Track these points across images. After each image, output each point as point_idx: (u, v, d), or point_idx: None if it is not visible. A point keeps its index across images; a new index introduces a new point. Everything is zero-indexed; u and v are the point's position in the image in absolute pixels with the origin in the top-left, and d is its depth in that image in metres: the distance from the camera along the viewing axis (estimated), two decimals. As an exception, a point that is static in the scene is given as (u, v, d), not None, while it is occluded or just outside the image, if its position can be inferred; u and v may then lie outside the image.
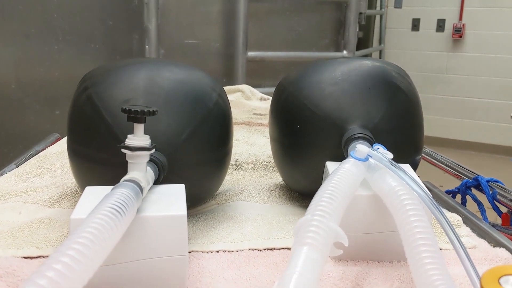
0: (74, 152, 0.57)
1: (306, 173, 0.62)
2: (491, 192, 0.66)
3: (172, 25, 2.11)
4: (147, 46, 2.03)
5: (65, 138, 1.06)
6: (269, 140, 1.05)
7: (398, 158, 0.52)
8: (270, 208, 0.66)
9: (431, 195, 0.46)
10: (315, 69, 0.63)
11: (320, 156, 0.59)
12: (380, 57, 3.86)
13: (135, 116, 0.46)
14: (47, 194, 0.68)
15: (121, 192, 0.41)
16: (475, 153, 3.51)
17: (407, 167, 0.56)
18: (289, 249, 0.54)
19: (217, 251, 0.54)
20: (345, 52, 2.34)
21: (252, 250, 0.54)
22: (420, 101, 0.64)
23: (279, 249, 0.54)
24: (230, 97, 1.54)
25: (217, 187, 0.63)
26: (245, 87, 1.61)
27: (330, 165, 0.57)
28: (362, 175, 0.49)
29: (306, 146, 0.60)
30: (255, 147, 0.95)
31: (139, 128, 0.47)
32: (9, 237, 0.55)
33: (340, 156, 0.57)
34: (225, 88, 1.58)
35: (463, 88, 3.61)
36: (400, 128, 0.60)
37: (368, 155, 0.49)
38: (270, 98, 1.60)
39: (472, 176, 0.71)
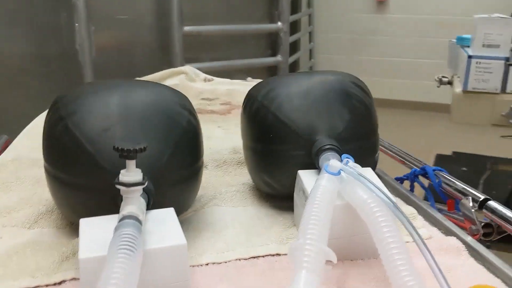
0: (55, 178, 0.59)
1: (278, 179, 0.67)
2: (437, 181, 0.74)
3: (101, 0, 2.05)
4: (76, 24, 1.96)
5: (16, 141, 1.04)
6: (225, 131, 1.10)
7: (361, 161, 0.58)
8: (244, 212, 0.70)
9: (395, 203, 0.52)
10: (283, 82, 0.68)
11: (291, 164, 0.64)
12: (309, 21, 3.94)
13: (128, 154, 0.48)
14: (23, 214, 0.68)
15: (128, 233, 0.44)
16: (404, 111, 3.73)
17: (368, 171, 0.63)
18: (272, 255, 0.59)
19: (206, 264, 0.58)
20: (279, 23, 2.38)
21: (239, 260, 0.59)
22: (374, 105, 0.70)
23: (263, 256, 0.59)
24: (175, 81, 1.55)
25: (195, 197, 0.67)
26: (188, 68, 1.62)
27: (303, 174, 0.62)
28: (336, 188, 0.55)
29: (278, 154, 0.65)
30: (214, 141, 0.99)
31: (132, 164, 0.49)
32: (0, 266, 0.56)
33: (310, 164, 0.63)
34: (168, 71, 1.58)
35: (390, 49, 3.78)
36: (361, 135, 0.66)
37: (341, 169, 0.55)
38: (214, 78, 1.63)
39: (419, 165, 0.80)
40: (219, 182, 0.80)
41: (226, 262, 0.58)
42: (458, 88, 1.94)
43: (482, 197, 0.66)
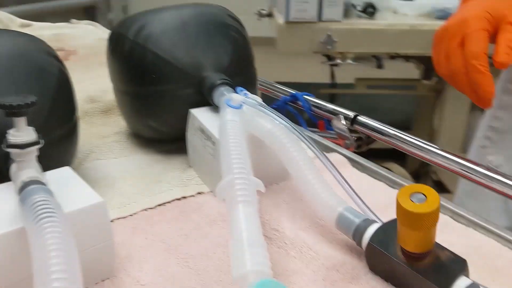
0: None
1: (166, 122, 0.64)
2: (307, 105, 0.79)
3: None
4: None
5: None
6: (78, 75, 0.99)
7: (246, 94, 0.59)
8: (130, 161, 0.66)
9: (301, 129, 0.54)
10: (154, 18, 0.63)
11: (180, 104, 0.62)
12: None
13: (18, 111, 0.41)
14: None
15: (42, 199, 0.38)
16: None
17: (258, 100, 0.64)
18: (179, 199, 0.58)
19: (112, 221, 0.54)
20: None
21: (146, 210, 0.56)
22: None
23: (170, 202, 0.57)
24: (-14, 28, 1.32)
25: (76, 154, 0.60)
26: (1, 14, 1.40)
27: (197, 112, 0.60)
28: (241, 121, 0.54)
29: (164, 95, 0.62)
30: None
31: (22, 122, 0.42)
32: None
33: (199, 102, 0.61)
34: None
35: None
36: (243, 67, 0.66)
37: (243, 102, 0.55)
38: (32, 23, 1.44)
39: (287, 94, 0.83)
40: (88, 135, 0.73)
41: (132, 215, 0.55)
42: (280, 19, 2.04)
43: (352, 114, 0.72)
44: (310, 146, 0.54)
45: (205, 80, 0.60)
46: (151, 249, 0.50)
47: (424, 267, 0.42)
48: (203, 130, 0.58)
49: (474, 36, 0.63)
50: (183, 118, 0.62)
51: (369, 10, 2.06)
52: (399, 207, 0.40)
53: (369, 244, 0.45)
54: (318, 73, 2.60)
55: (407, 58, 2.21)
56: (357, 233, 0.47)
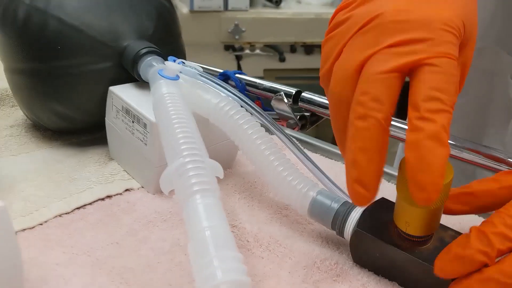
0: None
1: (77, 105, 0.51)
2: (240, 84, 0.70)
3: None
4: None
5: None
6: None
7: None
8: (32, 158, 0.52)
9: (250, 100, 0.45)
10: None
11: (95, 81, 0.50)
12: None
13: None
14: None
15: None
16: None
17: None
18: (103, 199, 0.45)
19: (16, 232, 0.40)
20: None
21: (61, 216, 0.43)
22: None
23: (91, 203, 0.45)
24: None
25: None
26: None
27: (117, 90, 0.49)
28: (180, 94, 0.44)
29: (73, 71, 0.49)
30: None
31: None
32: None
33: (118, 79, 0.50)
34: None
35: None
36: (171, 36, 0.55)
37: (180, 71, 0.44)
38: None
39: (215, 74, 0.73)
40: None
41: (42, 224, 0.42)
42: (184, 9, 1.92)
43: (294, 91, 0.64)
44: (267, 121, 0.45)
45: (126, 50, 0.48)
46: (73, 266, 0.37)
47: (428, 252, 0.34)
48: (128, 111, 0.46)
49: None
50: (100, 100, 0.50)
51: (275, -1, 2.02)
52: (401, 179, 0.32)
53: (356, 231, 0.37)
54: (227, 66, 2.51)
55: (311, 48, 2.20)
56: (338, 220, 0.38)
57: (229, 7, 1.93)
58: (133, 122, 0.46)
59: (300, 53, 2.21)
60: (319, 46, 2.18)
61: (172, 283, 0.36)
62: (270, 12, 1.98)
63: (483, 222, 0.30)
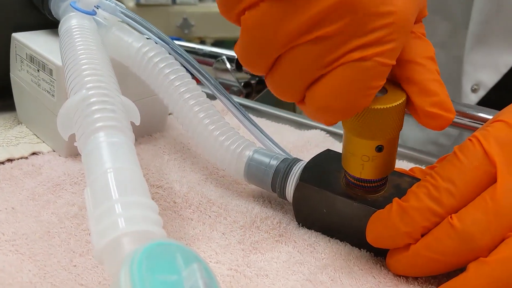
0: None
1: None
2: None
3: None
4: None
5: None
6: None
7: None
8: None
9: (175, 44, 0.39)
10: None
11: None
12: None
13: None
14: None
15: None
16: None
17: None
18: (2, 163, 0.38)
19: None
20: None
21: None
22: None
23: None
24: None
25: None
26: None
27: (22, 37, 0.41)
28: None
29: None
30: None
31: None
32: None
33: (26, 22, 0.42)
34: None
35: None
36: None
37: (98, 5, 0.37)
38: None
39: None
40: None
41: None
42: (130, 2, 1.84)
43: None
44: (200, 75, 0.38)
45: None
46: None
47: (384, 200, 0.29)
48: (33, 58, 0.39)
49: None
50: (5, 54, 0.42)
51: (225, -6, 1.96)
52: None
53: (299, 184, 0.31)
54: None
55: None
56: (278, 178, 0.32)
57: (177, 1, 1.87)
58: (38, 70, 0.39)
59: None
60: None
61: (76, 250, 0.29)
62: (220, 7, 1.93)
63: (408, 191, 0.27)
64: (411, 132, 0.60)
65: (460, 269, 0.25)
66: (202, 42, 2.00)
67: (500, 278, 0.23)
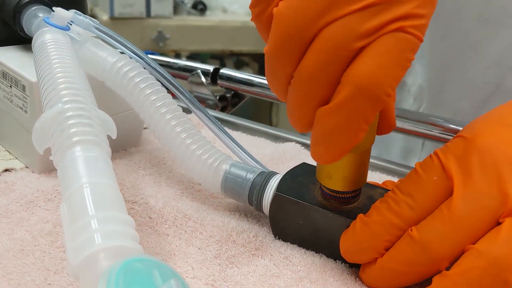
0: None
1: None
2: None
3: None
4: None
5: None
6: None
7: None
8: None
9: (158, 65, 0.39)
10: None
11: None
12: None
13: None
14: None
15: None
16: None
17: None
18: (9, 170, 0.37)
19: None
20: None
21: None
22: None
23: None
24: None
25: None
26: None
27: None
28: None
29: None
30: None
31: None
32: None
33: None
34: None
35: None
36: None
37: (71, 21, 0.37)
38: None
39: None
40: None
41: None
42: (104, 15, 1.83)
43: (211, 68, 0.59)
44: (175, 89, 0.38)
45: (6, 0, 0.40)
46: None
47: (358, 210, 0.29)
48: (5, 74, 0.39)
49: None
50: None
51: (200, 7, 1.97)
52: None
53: (276, 195, 0.31)
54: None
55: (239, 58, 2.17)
56: (255, 191, 0.33)
57: (152, 14, 1.86)
58: (10, 86, 0.38)
59: (229, 66, 2.18)
60: (246, 55, 2.16)
61: (50, 268, 0.29)
62: (195, 20, 1.94)
63: (372, 206, 0.28)
64: (396, 143, 0.61)
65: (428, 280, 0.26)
66: (177, 55, 2.00)
67: None
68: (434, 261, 0.25)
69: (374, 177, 0.43)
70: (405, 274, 0.26)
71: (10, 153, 0.41)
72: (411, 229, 0.26)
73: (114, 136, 0.30)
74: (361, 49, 0.22)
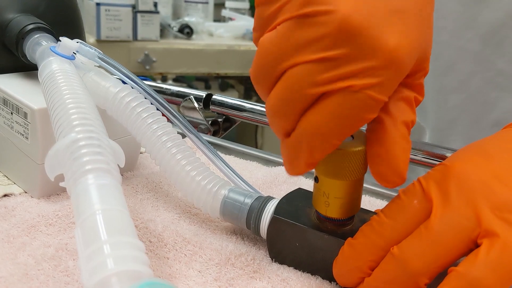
0: None
1: None
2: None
3: None
4: None
5: None
6: None
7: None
8: None
9: (157, 93, 0.40)
10: None
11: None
12: None
13: None
14: None
15: None
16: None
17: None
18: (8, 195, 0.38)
19: None
20: None
21: None
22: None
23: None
24: None
25: None
26: None
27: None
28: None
29: None
30: None
31: None
32: None
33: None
34: None
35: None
36: (67, 17, 0.48)
37: (77, 50, 0.38)
38: None
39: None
40: None
41: None
42: (90, 38, 1.84)
43: (204, 94, 0.60)
44: (171, 114, 0.40)
45: (9, 26, 0.41)
46: None
47: (352, 233, 0.31)
48: (6, 101, 0.40)
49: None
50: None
51: (186, 31, 2.00)
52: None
53: (273, 218, 0.33)
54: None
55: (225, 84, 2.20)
56: (253, 215, 0.34)
57: (139, 37, 1.88)
58: (11, 113, 0.39)
59: (214, 89, 2.20)
60: (232, 78, 2.19)
61: (55, 292, 0.29)
62: (181, 43, 1.96)
63: (359, 229, 0.29)
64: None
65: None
66: (164, 77, 2.02)
67: None
68: (411, 276, 0.26)
69: (364, 199, 0.45)
70: None
71: (8, 178, 0.42)
72: (392, 248, 0.27)
73: (122, 165, 0.31)
74: (321, 95, 0.24)
